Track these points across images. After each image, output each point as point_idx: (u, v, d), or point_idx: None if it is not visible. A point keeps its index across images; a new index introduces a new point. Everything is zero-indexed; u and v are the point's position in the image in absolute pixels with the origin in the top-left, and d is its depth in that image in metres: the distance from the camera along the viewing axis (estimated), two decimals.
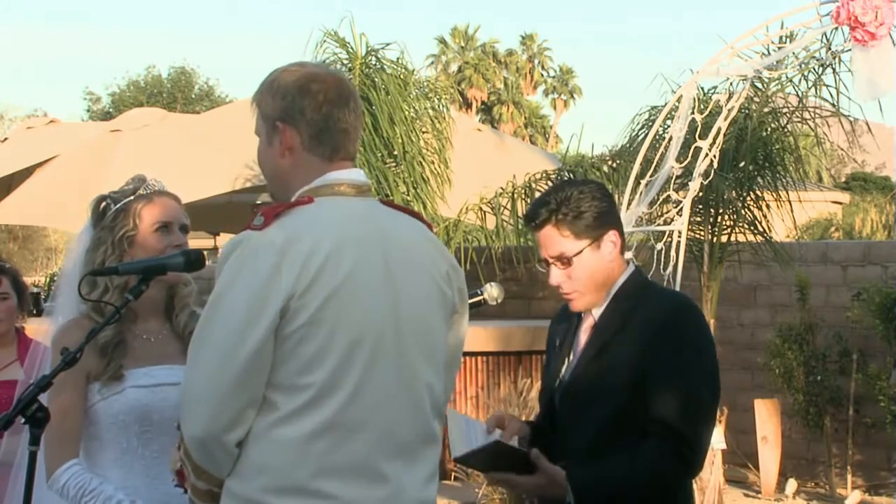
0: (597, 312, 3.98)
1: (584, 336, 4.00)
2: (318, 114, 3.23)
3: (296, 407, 3.04)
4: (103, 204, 4.06)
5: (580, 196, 3.91)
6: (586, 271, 3.92)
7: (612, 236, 3.93)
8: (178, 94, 48.53)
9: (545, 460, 3.84)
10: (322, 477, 3.05)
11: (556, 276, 3.96)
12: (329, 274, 3.05)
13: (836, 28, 8.14)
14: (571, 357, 4.02)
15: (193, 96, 49.27)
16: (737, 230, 11.24)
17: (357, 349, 3.07)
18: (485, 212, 11.88)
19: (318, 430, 3.04)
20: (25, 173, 14.71)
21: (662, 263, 8.50)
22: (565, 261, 3.92)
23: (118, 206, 4.01)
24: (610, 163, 12.24)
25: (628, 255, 5.28)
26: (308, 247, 3.05)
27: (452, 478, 11.29)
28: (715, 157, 8.91)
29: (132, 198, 4.02)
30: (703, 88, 10.22)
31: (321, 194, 3.20)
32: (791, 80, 10.65)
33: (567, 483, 3.80)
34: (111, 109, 46.63)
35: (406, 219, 3.34)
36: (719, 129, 8.83)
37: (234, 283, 3.07)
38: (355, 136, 3.29)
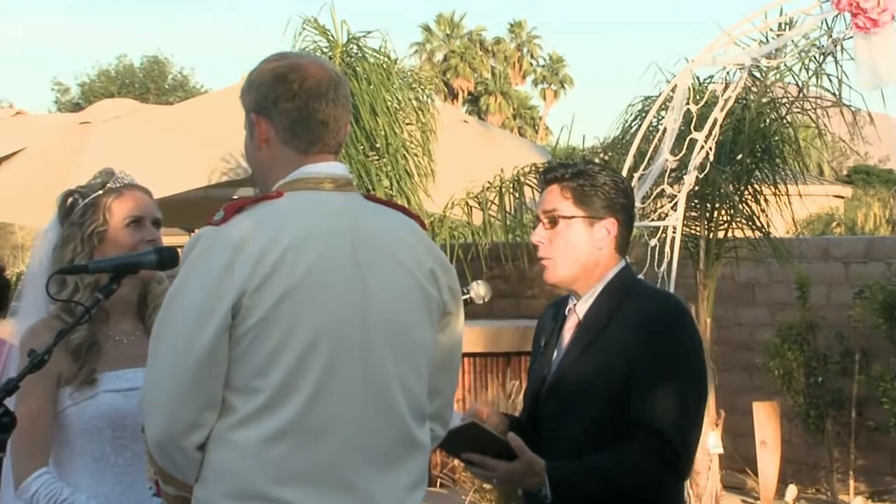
0: (582, 309, 4.01)
1: (568, 334, 4.04)
2: (292, 105, 3.23)
3: (252, 410, 3.05)
4: (71, 199, 4.05)
5: (604, 179, 4.00)
6: (569, 242, 3.97)
7: (609, 224, 3.98)
8: (150, 84, 48.43)
9: (525, 447, 3.85)
10: (282, 484, 3.04)
11: (539, 233, 4.03)
12: (285, 271, 3.05)
13: (838, 14, 8.16)
14: (556, 356, 4.04)
15: (167, 87, 49.16)
16: (734, 225, 11.26)
17: (315, 349, 3.06)
18: (471, 207, 11.88)
19: (275, 435, 3.04)
20: None
21: (656, 260, 8.52)
22: (553, 220, 3.98)
23: (87, 200, 4.00)
24: (602, 155, 12.23)
25: None
26: (263, 243, 3.05)
27: (438, 484, 11.30)
28: (711, 149, 8.92)
29: (101, 192, 4.01)
30: (698, 78, 10.22)
31: (296, 188, 3.20)
32: (790, 69, 10.66)
33: (545, 473, 3.82)
34: (80, 100, 46.52)
35: (390, 214, 3.34)
36: (716, 121, 8.84)
37: (188, 281, 3.09)
38: (337, 127, 3.27)
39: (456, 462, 10.73)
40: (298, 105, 3.23)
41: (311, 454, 3.07)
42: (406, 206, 10.83)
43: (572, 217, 3.97)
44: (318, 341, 3.07)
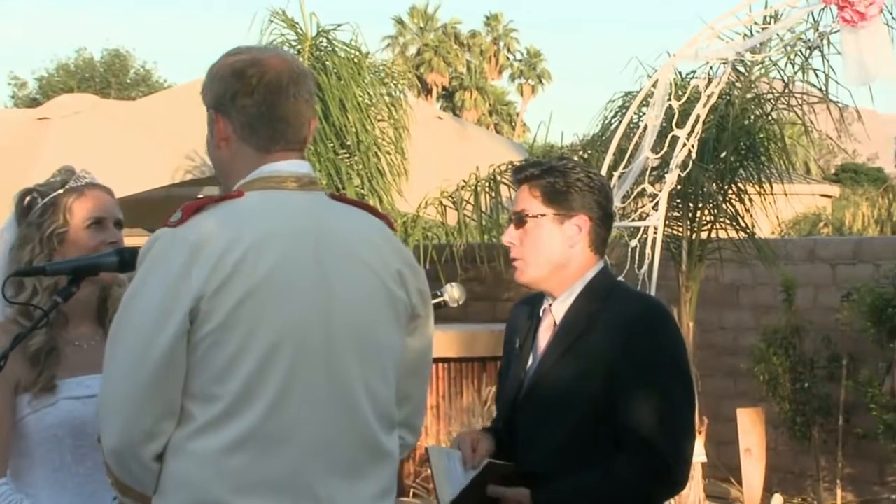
0: (558, 310, 4.01)
1: (545, 336, 4.03)
2: (250, 101, 3.22)
3: (211, 417, 3.04)
4: (29, 197, 4.02)
5: (576, 175, 4.01)
6: (538, 241, 3.98)
7: (580, 221, 3.98)
8: (111, 78, 48.27)
9: (503, 488, 3.87)
10: (243, 494, 3.04)
11: (510, 234, 4.04)
12: (245, 273, 3.04)
13: (824, 7, 8.20)
14: (532, 359, 4.04)
15: (128, 81, 49.01)
16: (717, 226, 11.28)
17: (276, 354, 3.05)
18: (446, 207, 11.90)
19: (235, 443, 3.03)
20: None
21: (637, 262, 8.53)
22: (522, 219, 4.00)
23: (46, 199, 3.98)
24: (581, 153, 12.27)
25: None
26: (223, 244, 3.04)
27: (412, 494, 11.29)
28: (694, 146, 8.94)
29: (61, 191, 3.99)
30: (680, 73, 10.26)
31: (256, 188, 3.19)
32: (776, 64, 10.70)
33: None
34: (38, 95, 46.34)
35: (356, 214, 3.32)
36: (698, 117, 8.86)
37: (144, 285, 3.09)
38: (299, 124, 3.26)
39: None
40: (257, 101, 3.21)
41: (273, 462, 3.06)
42: (378, 205, 10.89)
43: (540, 215, 3.97)
44: (280, 345, 3.06)
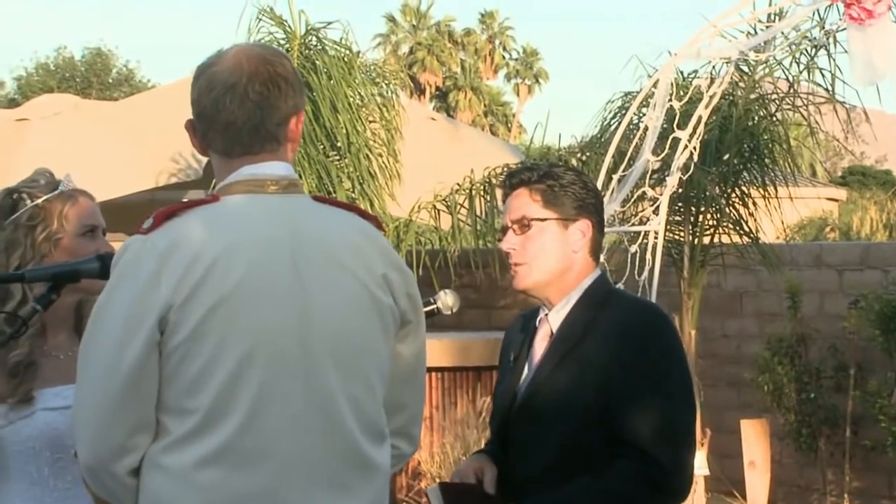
0: (555, 319, 4.01)
1: (540, 347, 4.03)
2: (198, 107, 3.20)
3: (185, 431, 3.03)
4: (15, 196, 3.99)
5: (570, 179, 4.03)
6: (542, 246, 3.98)
7: (583, 226, 4.00)
8: (93, 78, 48.29)
9: None
10: None
11: (510, 240, 4.03)
12: (216, 281, 3.02)
13: (831, 5, 8.20)
14: (527, 371, 4.04)
15: (111, 81, 49.04)
16: (720, 230, 11.29)
17: (250, 365, 3.03)
18: (439, 211, 11.88)
19: (208, 458, 3.01)
20: None
21: (637, 267, 8.53)
22: (525, 224, 4.00)
23: (36, 202, 3.95)
24: (579, 155, 12.27)
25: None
26: (192, 251, 3.03)
27: None
28: (695, 148, 8.94)
29: (52, 194, 3.97)
30: (682, 72, 10.28)
31: (234, 192, 3.17)
32: (780, 63, 10.72)
33: None
34: (17, 95, 46.35)
35: (340, 216, 3.29)
36: (700, 118, 8.87)
37: (113, 294, 3.08)
38: (252, 127, 3.17)
39: (423, 484, 10.72)
40: (206, 105, 3.19)
41: (248, 479, 3.04)
42: (369, 209, 10.88)
43: (545, 219, 3.98)
44: (253, 355, 3.04)
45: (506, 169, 11.76)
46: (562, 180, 4.00)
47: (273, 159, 3.22)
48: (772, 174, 11.45)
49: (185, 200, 3.20)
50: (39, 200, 3.96)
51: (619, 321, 3.94)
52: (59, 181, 4.02)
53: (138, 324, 2.99)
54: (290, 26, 11.76)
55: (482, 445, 4.51)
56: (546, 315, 4.05)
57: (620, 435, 3.82)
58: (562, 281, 4.01)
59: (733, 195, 11.28)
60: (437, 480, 9.99)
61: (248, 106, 3.17)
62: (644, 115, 9.25)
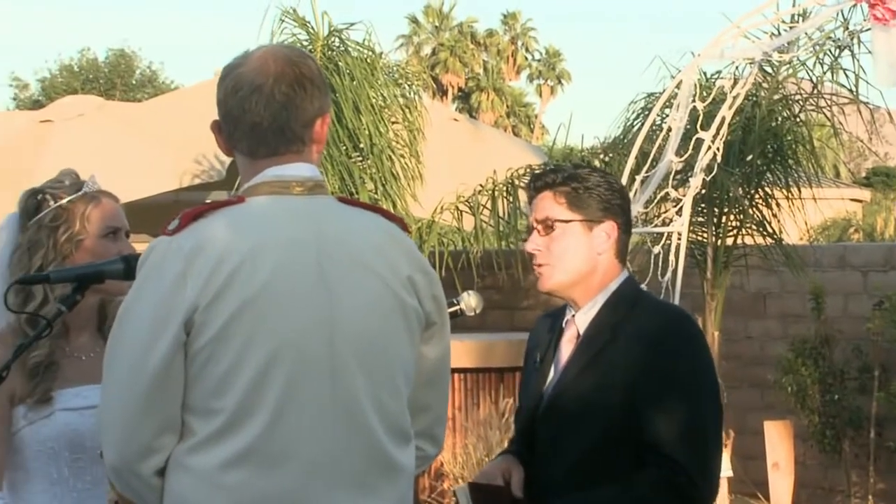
0: (581, 321, 4.01)
1: (567, 348, 4.02)
2: (224, 108, 3.20)
3: (211, 432, 3.03)
4: (38, 198, 3.98)
5: (596, 180, 4.02)
6: (567, 248, 3.98)
7: (608, 227, 3.99)
8: (116, 79, 48.40)
9: None
10: None
11: (535, 241, 4.03)
12: (242, 282, 3.02)
13: (855, 5, 8.19)
14: (553, 372, 4.03)
15: (134, 82, 49.15)
16: (744, 231, 11.27)
17: (275, 366, 3.03)
18: (462, 212, 11.88)
19: (233, 459, 3.02)
20: None
21: (660, 269, 8.52)
22: (549, 226, 3.99)
23: (60, 203, 3.95)
24: (602, 156, 12.26)
25: None
26: (218, 253, 3.03)
27: None
28: (719, 149, 8.94)
29: (76, 195, 3.97)
30: (705, 73, 10.27)
31: (259, 193, 3.17)
32: (804, 64, 10.70)
33: None
34: (41, 97, 46.48)
35: (366, 218, 3.28)
36: (724, 119, 8.86)
37: (139, 295, 3.08)
38: (278, 127, 3.18)
39: (446, 485, 10.73)
40: (232, 106, 3.19)
41: (273, 480, 3.04)
42: (392, 210, 10.87)
43: (569, 221, 3.98)
44: (278, 357, 3.04)
45: (528, 170, 11.78)
46: (587, 182, 3.99)
47: (298, 160, 3.21)
48: (795, 175, 11.43)
49: (209, 202, 3.20)
50: (63, 201, 3.96)
51: (647, 324, 3.93)
52: (83, 182, 4.02)
53: (164, 324, 3.00)
54: (313, 27, 11.78)
55: (505, 446, 4.50)
56: (573, 316, 4.04)
57: (646, 439, 3.81)
58: (587, 282, 4.00)
59: (757, 196, 11.26)
60: (461, 481, 10.02)
61: (273, 107, 3.16)
62: (667, 115, 9.24)
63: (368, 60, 11.70)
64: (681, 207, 8.84)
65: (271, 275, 3.05)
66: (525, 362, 4.23)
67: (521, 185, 11.65)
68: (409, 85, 12.35)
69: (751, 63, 8.89)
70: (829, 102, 11.12)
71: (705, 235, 11.00)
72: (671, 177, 8.76)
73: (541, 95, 72.32)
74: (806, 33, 9.04)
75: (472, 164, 13.15)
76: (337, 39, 11.80)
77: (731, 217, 11.12)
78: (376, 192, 11.46)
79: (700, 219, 10.88)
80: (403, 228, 3.34)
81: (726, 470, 10.10)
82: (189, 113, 12.38)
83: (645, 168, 8.83)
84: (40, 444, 3.86)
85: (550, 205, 4.00)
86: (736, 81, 8.96)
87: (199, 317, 3.00)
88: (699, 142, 8.77)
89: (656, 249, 8.59)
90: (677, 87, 8.90)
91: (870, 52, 8.53)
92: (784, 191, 11.37)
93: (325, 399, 3.09)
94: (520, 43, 73.13)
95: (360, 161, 11.61)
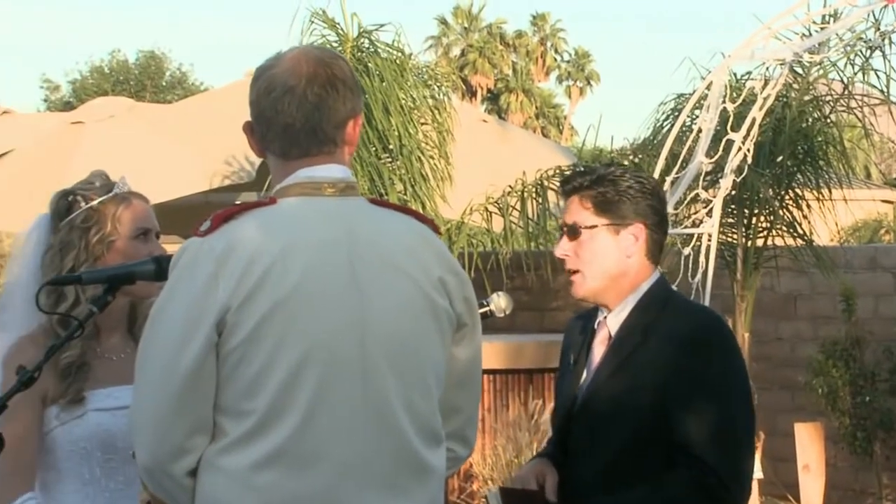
0: (613, 322, 4.00)
1: (599, 350, 4.02)
2: (257, 109, 3.21)
3: (242, 433, 3.04)
4: (69, 199, 4.00)
5: (627, 182, 4.00)
6: (595, 253, 3.97)
7: (636, 230, 3.98)
8: (146, 81, 48.59)
9: None
10: None
11: (563, 246, 4.03)
12: (273, 284, 3.03)
13: (886, 6, 8.16)
14: (586, 374, 4.03)
15: (164, 84, 49.35)
16: (774, 233, 11.24)
17: (306, 367, 3.04)
18: (491, 213, 11.88)
19: (264, 460, 3.03)
20: None
21: (690, 270, 8.50)
22: (576, 232, 3.99)
23: (91, 204, 3.96)
24: (631, 157, 12.23)
25: None
26: (249, 254, 3.04)
27: None
28: (749, 150, 8.91)
29: (107, 197, 3.99)
30: (735, 74, 10.23)
31: (291, 194, 3.18)
32: (835, 65, 10.66)
33: None
34: (72, 99, 46.72)
35: (397, 219, 3.29)
36: (754, 120, 8.83)
37: (171, 297, 3.09)
38: (311, 128, 3.18)
39: (475, 487, 10.73)
40: (265, 107, 3.19)
41: (305, 479, 3.05)
42: (421, 211, 10.87)
43: (594, 226, 3.97)
44: (310, 358, 3.05)
45: (557, 171, 11.78)
46: (616, 184, 3.98)
47: (330, 162, 3.22)
48: (826, 176, 11.40)
49: (240, 203, 3.21)
50: (94, 203, 3.97)
51: (678, 326, 3.92)
52: (114, 183, 4.03)
53: (196, 325, 3.01)
54: (342, 29, 11.78)
55: (534, 448, 4.50)
56: (605, 318, 4.04)
57: (677, 440, 3.80)
58: (618, 285, 4.00)
59: (787, 197, 11.23)
60: (490, 482, 10.01)
61: (306, 108, 3.17)
62: (697, 116, 9.23)
63: (398, 62, 11.70)
64: (711, 209, 8.82)
65: (302, 276, 3.06)
66: (560, 363, 4.23)
67: (551, 186, 11.66)
68: (438, 86, 12.34)
69: (781, 64, 8.86)
70: (860, 103, 11.08)
71: (735, 237, 10.98)
72: (701, 178, 8.74)
73: (570, 96, 72.29)
74: (837, 34, 9.01)
75: (502, 165, 13.14)
76: (366, 41, 11.80)
77: (762, 218, 11.09)
78: (405, 194, 11.46)
79: (730, 220, 10.86)
80: (434, 230, 3.34)
81: (757, 472, 10.06)
82: (219, 114, 12.41)
83: (675, 169, 8.82)
84: (72, 445, 3.88)
85: (577, 209, 4.00)
86: (766, 82, 8.94)
87: (230, 318, 3.01)
88: (729, 143, 8.75)
89: (686, 251, 8.57)
90: (707, 87, 8.88)
91: None
92: (814, 192, 11.34)
93: (356, 400, 3.09)
94: (549, 44, 73.10)
95: (390, 162, 11.61)
